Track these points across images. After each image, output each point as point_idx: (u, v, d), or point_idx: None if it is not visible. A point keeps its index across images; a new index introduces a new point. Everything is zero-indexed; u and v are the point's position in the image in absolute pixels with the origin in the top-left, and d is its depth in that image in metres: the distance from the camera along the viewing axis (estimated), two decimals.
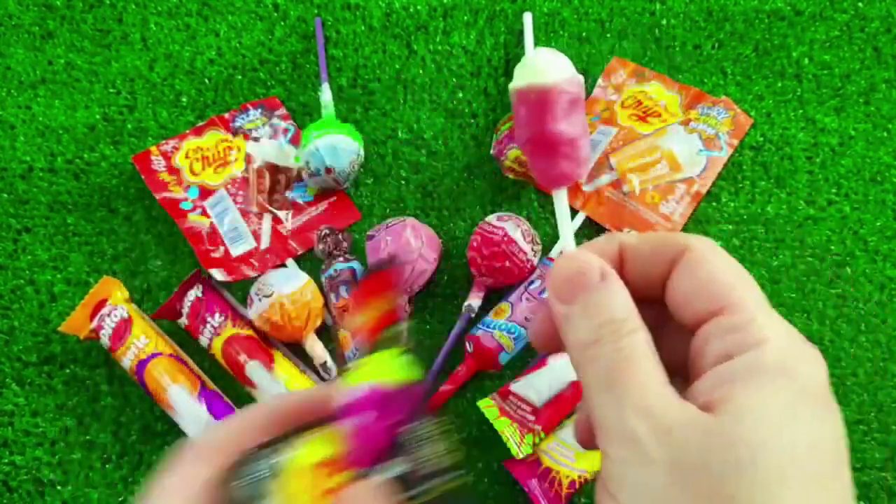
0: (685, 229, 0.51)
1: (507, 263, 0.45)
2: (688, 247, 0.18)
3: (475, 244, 0.47)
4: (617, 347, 0.17)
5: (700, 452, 0.15)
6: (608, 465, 0.16)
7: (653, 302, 0.19)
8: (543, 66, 0.25)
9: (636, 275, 0.19)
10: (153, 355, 0.44)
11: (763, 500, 0.14)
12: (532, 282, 0.47)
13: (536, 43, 0.57)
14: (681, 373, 0.18)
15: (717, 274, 0.17)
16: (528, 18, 0.57)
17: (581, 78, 0.27)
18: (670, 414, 0.16)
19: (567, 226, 0.24)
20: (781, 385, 0.15)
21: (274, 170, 0.51)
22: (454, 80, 0.57)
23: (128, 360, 0.44)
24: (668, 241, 0.19)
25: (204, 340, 0.46)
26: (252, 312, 0.46)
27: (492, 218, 0.47)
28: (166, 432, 0.45)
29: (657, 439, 0.15)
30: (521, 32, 0.58)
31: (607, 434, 0.16)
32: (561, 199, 0.24)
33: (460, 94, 0.57)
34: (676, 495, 0.15)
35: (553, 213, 0.52)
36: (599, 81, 0.57)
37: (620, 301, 0.18)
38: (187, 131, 0.55)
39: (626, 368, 0.17)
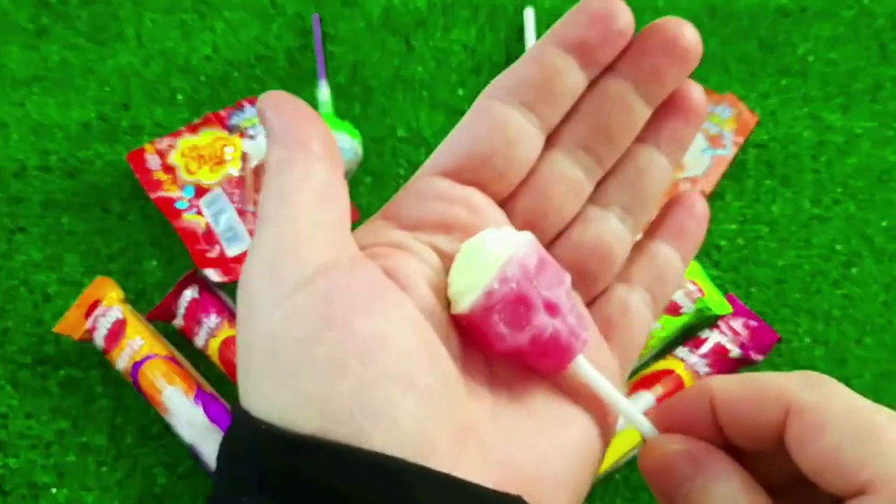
0: None
1: None
2: (792, 406, 0.15)
3: None
4: None
5: None
6: None
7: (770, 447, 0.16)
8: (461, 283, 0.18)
9: (740, 431, 0.16)
10: (148, 357, 0.44)
11: None
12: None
13: (538, 38, 0.56)
14: None
15: (842, 447, 0.14)
16: (529, 14, 0.57)
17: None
18: None
19: (614, 394, 0.18)
20: None
21: None
22: (454, 77, 0.57)
23: (122, 361, 0.44)
24: (767, 392, 0.15)
25: (199, 342, 0.45)
26: None
27: None
28: (162, 435, 0.45)
29: None
30: (522, 29, 0.57)
31: None
32: (583, 368, 0.18)
33: (461, 92, 0.56)
34: None
35: None
36: None
37: (718, 494, 0.15)
38: (182, 129, 0.54)
39: None
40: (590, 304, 0.20)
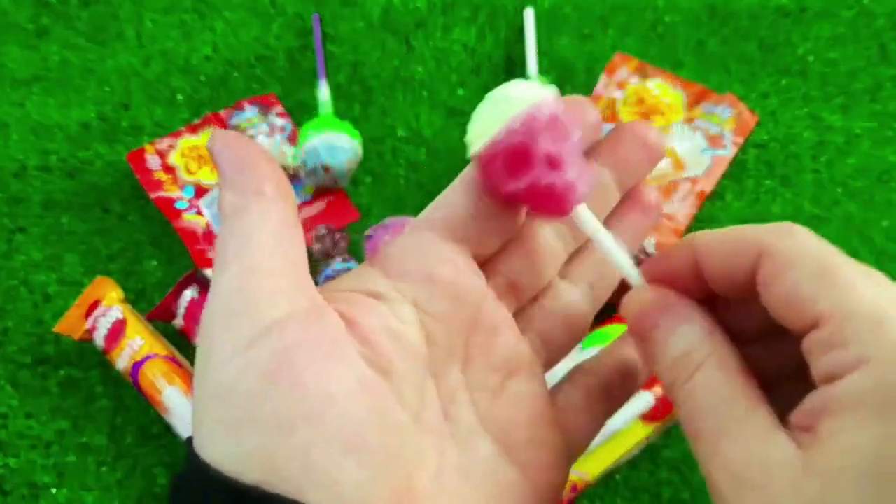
0: (689, 229, 0.50)
1: None
2: (764, 250, 0.15)
3: None
4: (687, 391, 0.16)
5: None
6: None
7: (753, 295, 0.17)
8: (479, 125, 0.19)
9: (718, 276, 0.17)
10: (148, 357, 0.44)
11: None
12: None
13: (538, 38, 0.56)
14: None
15: (801, 283, 0.15)
16: (529, 14, 0.57)
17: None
18: (752, 468, 0.14)
19: (610, 245, 0.19)
20: (877, 420, 0.13)
21: None
22: (454, 77, 0.56)
23: (122, 361, 0.44)
24: (743, 240, 0.16)
25: None
26: None
27: None
28: (162, 435, 0.45)
29: (743, 497, 0.14)
30: (523, 29, 0.57)
31: (708, 484, 0.16)
32: (582, 216, 0.19)
33: (461, 92, 0.56)
34: None
35: None
36: (602, 78, 0.56)
37: (679, 332, 0.16)
38: (182, 129, 0.54)
39: (698, 416, 0.15)
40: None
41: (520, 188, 0.18)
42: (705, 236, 0.17)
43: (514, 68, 0.57)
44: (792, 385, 0.16)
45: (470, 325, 0.19)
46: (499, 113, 0.18)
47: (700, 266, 0.17)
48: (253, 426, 0.14)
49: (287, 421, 0.14)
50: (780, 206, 0.51)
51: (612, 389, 0.21)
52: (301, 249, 0.17)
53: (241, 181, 0.17)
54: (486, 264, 0.20)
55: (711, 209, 0.51)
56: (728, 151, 0.52)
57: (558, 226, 0.21)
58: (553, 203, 0.18)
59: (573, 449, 0.20)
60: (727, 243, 0.17)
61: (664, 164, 0.51)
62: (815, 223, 0.50)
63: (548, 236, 0.20)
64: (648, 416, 0.41)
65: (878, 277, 0.15)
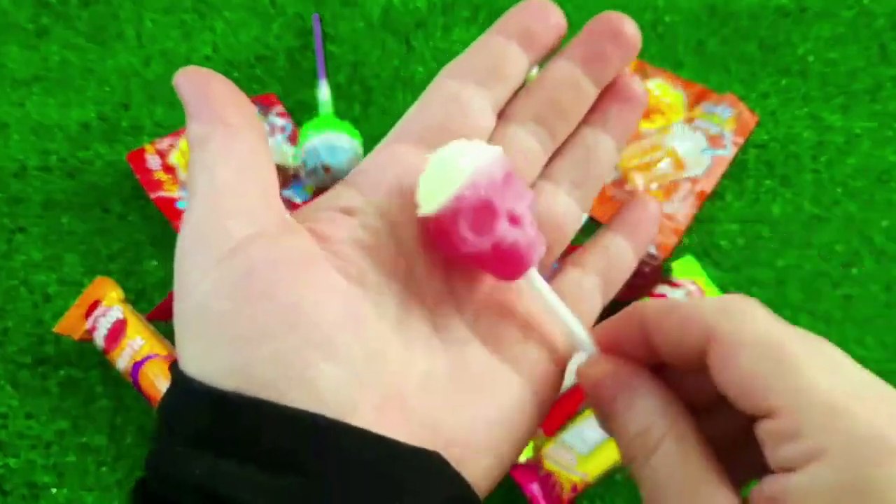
0: (689, 229, 0.50)
1: None
2: (712, 334, 0.15)
3: None
4: (648, 470, 0.16)
5: None
6: None
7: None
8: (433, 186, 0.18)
9: (668, 353, 0.17)
10: (148, 357, 0.44)
11: None
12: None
13: None
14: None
15: (751, 372, 0.14)
16: None
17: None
18: None
19: (560, 308, 0.19)
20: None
21: None
22: None
23: (123, 361, 0.44)
24: (691, 320, 0.16)
25: None
26: None
27: None
28: None
29: None
30: None
31: None
32: (534, 279, 0.19)
33: None
34: None
35: None
36: None
37: (638, 408, 0.16)
38: (183, 129, 0.54)
39: (660, 496, 0.15)
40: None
41: (484, 247, 0.17)
42: (652, 309, 0.17)
43: None
44: (746, 452, 0.16)
45: None
46: (453, 173, 0.17)
47: (650, 338, 0.17)
48: (228, 342, 0.15)
49: (261, 332, 0.15)
50: (780, 206, 0.51)
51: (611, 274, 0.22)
52: (269, 173, 0.17)
53: (206, 111, 0.17)
54: None
55: (711, 209, 0.51)
56: (728, 151, 0.52)
57: (534, 127, 0.20)
58: (513, 262, 0.18)
59: (569, 347, 0.20)
60: (675, 322, 0.16)
61: (665, 164, 0.51)
62: (815, 223, 0.50)
63: (522, 140, 0.20)
64: None
65: (831, 356, 0.14)
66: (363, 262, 0.17)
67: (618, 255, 0.22)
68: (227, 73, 0.57)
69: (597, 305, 0.21)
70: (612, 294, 0.22)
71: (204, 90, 0.17)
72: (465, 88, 0.20)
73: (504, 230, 0.17)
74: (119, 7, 0.60)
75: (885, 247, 0.49)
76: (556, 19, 0.21)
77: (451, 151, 0.18)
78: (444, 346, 0.18)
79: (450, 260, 0.19)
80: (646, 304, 0.17)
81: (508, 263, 0.18)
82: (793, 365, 0.14)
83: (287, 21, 0.59)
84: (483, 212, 0.17)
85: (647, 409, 0.16)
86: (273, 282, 0.15)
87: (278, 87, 0.56)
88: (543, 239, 0.19)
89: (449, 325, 0.19)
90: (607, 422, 0.17)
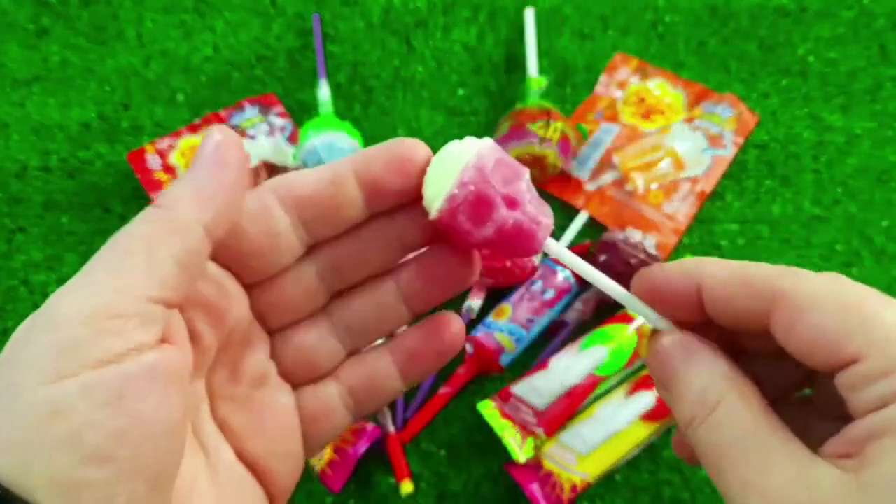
0: (689, 229, 0.50)
1: (509, 264, 0.45)
2: (781, 294, 0.15)
3: None
4: (710, 424, 0.16)
5: None
6: None
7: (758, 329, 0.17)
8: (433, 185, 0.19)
9: (724, 314, 0.17)
10: None
11: None
12: (534, 282, 0.46)
13: (539, 38, 0.56)
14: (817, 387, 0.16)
15: (826, 324, 0.15)
16: (529, 14, 0.57)
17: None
18: (797, 495, 0.14)
19: (600, 279, 0.19)
20: None
21: (271, 168, 0.50)
22: (454, 77, 0.56)
23: None
24: (754, 283, 0.16)
25: None
26: None
27: None
28: None
29: None
30: (523, 29, 0.57)
31: None
32: (553, 248, 0.19)
33: (461, 92, 0.56)
34: None
35: (554, 213, 0.52)
36: (602, 78, 0.56)
37: (700, 369, 0.17)
38: (183, 129, 0.54)
39: (724, 449, 0.15)
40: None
41: (489, 234, 0.18)
42: (713, 273, 0.17)
43: (514, 68, 0.57)
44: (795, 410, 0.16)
45: (225, 340, 0.19)
46: (446, 171, 0.18)
47: (704, 300, 0.17)
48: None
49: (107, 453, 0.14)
50: (781, 206, 0.51)
51: (362, 394, 0.21)
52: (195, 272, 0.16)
53: (182, 202, 0.16)
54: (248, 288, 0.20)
55: (711, 209, 0.51)
56: (728, 151, 0.52)
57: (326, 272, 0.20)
58: (523, 240, 0.18)
59: (312, 451, 0.21)
60: (736, 283, 0.16)
61: (665, 164, 0.51)
62: (816, 223, 0.50)
63: (308, 280, 0.20)
64: (648, 416, 0.41)
65: (893, 303, 0.15)
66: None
67: (383, 379, 0.21)
68: (227, 73, 0.57)
69: (342, 420, 0.21)
70: (361, 415, 0.22)
71: (216, 169, 0.17)
72: (283, 221, 0.19)
73: (503, 215, 0.18)
74: (119, 7, 0.60)
75: (886, 247, 0.49)
76: (416, 170, 0.19)
77: (442, 154, 0.19)
78: (202, 444, 0.18)
79: None
80: (703, 263, 0.17)
81: (519, 243, 0.18)
82: (870, 312, 0.14)
83: (287, 21, 0.59)
84: (477, 203, 0.18)
85: (711, 368, 0.17)
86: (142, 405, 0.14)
87: (278, 87, 0.56)
88: (548, 210, 0.19)
89: (204, 426, 0.19)
90: (669, 385, 0.17)
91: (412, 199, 0.19)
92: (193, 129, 0.54)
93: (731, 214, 0.51)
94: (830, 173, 0.52)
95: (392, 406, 0.44)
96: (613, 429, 0.41)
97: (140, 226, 0.16)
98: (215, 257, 0.18)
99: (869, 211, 0.51)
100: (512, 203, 0.18)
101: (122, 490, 0.14)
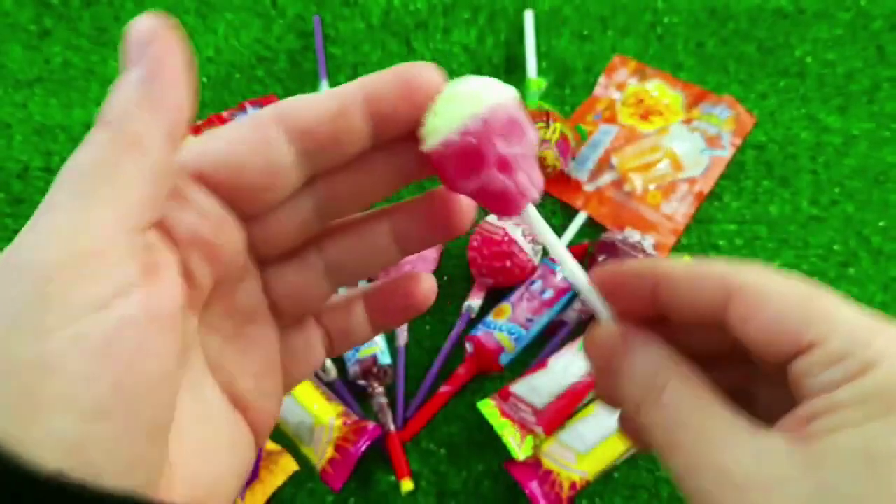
0: (688, 229, 0.50)
1: (508, 263, 0.45)
2: (740, 286, 0.16)
3: (475, 244, 0.46)
4: (659, 407, 0.16)
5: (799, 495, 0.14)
6: None
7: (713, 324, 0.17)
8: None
9: (680, 308, 0.17)
10: None
11: None
12: (533, 282, 0.46)
13: (538, 39, 0.57)
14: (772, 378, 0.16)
15: (783, 316, 0.15)
16: (529, 16, 0.57)
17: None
18: (747, 469, 0.15)
19: (566, 259, 0.19)
20: (887, 415, 0.14)
21: None
22: (454, 78, 0.57)
23: None
24: (711, 277, 0.17)
25: None
26: None
27: (492, 218, 0.47)
28: None
29: (742, 497, 0.14)
30: (523, 30, 0.57)
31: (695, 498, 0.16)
32: (532, 216, 0.19)
33: None
34: None
35: (554, 213, 0.52)
36: (601, 80, 0.56)
37: (644, 357, 0.17)
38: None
39: (674, 430, 0.16)
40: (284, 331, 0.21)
41: (471, 188, 0.18)
42: (669, 266, 0.18)
43: (513, 70, 0.57)
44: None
45: (220, 277, 0.18)
46: (455, 108, 0.17)
47: (660, 295, 0.18)
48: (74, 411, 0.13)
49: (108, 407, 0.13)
50: (778, 206, 0.51)
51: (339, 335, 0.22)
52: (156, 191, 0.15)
53: (130, 111, 0.15)
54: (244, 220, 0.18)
55: (710, 209, 0.51)
56: (726, 152, 0.52)
57: (321, 199, 0.19)
58: (503, 203, 0.18)
59: (288, 390, 0.21)
60: (693, 277, 0.17)
61: (663, 165, 0.52)
62: (813, 223, 0.51)
63: (303, 210, 0.19)
64: None
65: (848, 302, 0.16)
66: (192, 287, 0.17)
67: (357, 325, 0.21)
68: (228, 75, 0.57)
69: (319, 359, 0.21)
70: (332, 356, 0.22)
71: (153, 72, 0.15)
72: (286, 150, 0.17)
73: (489, 176, 0.17)
74: (121, 8, 0.60)
75: (883, 247, 0.50)
76: (423, 97, 0.18)
77: (458, 88, 0.18)
78: (189, 383, 0.17)
79: None
80: (659, 261, 0.18)
81: (499, 204, 0.18)
82: (829, 304, 0.15)
83: (288, 22, 0.59)
84: (470, 156, 0.17)
85: (655, 356, 0.17)
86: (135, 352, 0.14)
87: (279, 88, 0.57)
88: (540, 183, 0.19)
89: (194, 362, 0.18)
90: (614, 374, 0.18)
91: (417, 128, 0.18)
92: (195, 130, 0.55)
93: (729, 215, 0.51)
94: (828, 174, 0.52)
95: (392, 405, 0.45)
96: (612, 427, 0.41)
97: (93, 150, 0.14)
98: (212, 189, 0.17)
99: (866, 211, 0.51)
100: (504, 166, 0.17)
101: (122, 444, 0.13)
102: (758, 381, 0.18)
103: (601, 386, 0.20)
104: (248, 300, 0.19)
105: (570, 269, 0.19)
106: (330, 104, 0.17)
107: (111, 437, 0.13)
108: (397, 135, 0.18)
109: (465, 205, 0.20)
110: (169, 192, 0.16)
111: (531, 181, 0.18)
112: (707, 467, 0.15)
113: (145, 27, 0.15)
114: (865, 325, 0.15)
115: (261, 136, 0.17)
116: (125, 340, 0.13)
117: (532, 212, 0.19)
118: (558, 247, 0.19)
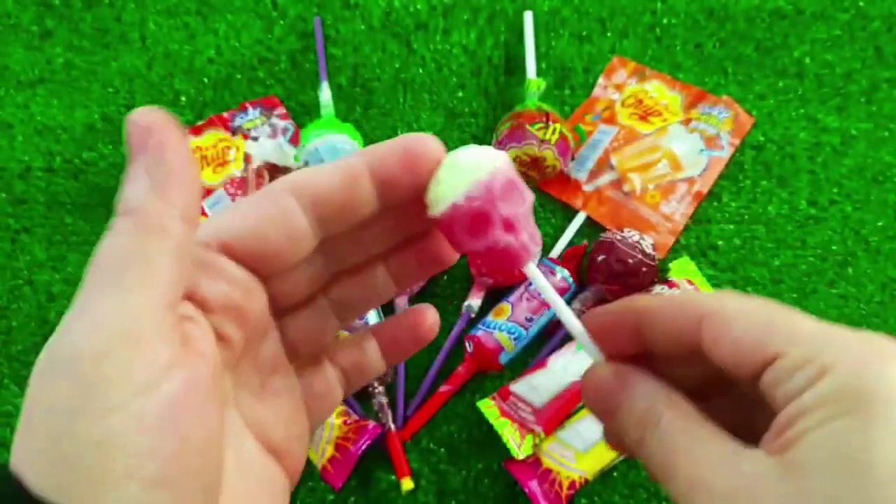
0: (686, 229, 0.51)
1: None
2: (710, 312, 0.18)
3: None
4: (658, 436, 0.17)
5: None
6: None
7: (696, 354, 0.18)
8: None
9: (661, 338, 0.19)
10: None
11: None
12: (532, 282, 0.47)
13: (537, 40, 0.57)
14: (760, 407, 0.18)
15: (747, 334, 0.17)
16: (528, 17, 0.57)
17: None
18: (736, 484, 0.16)
19: (560, 306, 0.21)
20: (844, 414, 0.15)
21: (273, 169, 0.51)
22: (454, 79, 0.57)
23: None
24: (684, 307, 0.18)
25: None
26: None
27: None
28: None
29: None
30: (522, 31, 0.58)
31: None
32: (532, 273, 0.20)
33: (460, 94, 0.56)
34: None
35: (553, 213, 0.52)
36: (600, 80, 0.57)
37: (639, 393, 0.18)
38: (186, 131, 0.55)
39: (672, 455, 0.17)
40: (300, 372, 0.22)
41: (479, 248, 0.19)
42: (647, 301, 0.19)
43: (513, 70, 0.57)
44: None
45: (247, 336, 0.19)
46: (457, 177, 0.19)
47: (642, 329, 0.19)
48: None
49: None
50: (776, 206, 0.51)
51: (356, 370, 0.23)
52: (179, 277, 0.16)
53: (146, 200, 0.16)
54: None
55: (708, 209, 0.51)
56: (725, 152, 0.52)
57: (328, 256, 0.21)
58: (507, 262, 0.19)
59: (314, 429, 0.22)
60: (670, 310, 0.19)
61: (662, 165, 0.52)
62: (811, 223, 0.51)
63: (317, 267, 0.21)
64: None
65: (807, 315, 0.17)
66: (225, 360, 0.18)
67: (371, 360, 0.23)
68: (229, 75, 0.58)
69: (338, 400, 0.23)
70: (350, 392, 0.23)
71: (159, 165, 0.16)
72: (303, 224, 0.19)
73: (497, 236, 0.19)
74: (122, 9, 0.60)
75: (881, 246, 0.50)
76: (427, 168, 0.19)
77: (457, 158, 0.19)
78: (228, 439, 0.18)
79: None
80: (638, 297, 0.20)
81: (503, 263, 0.20)
82: (790, 319, 0.17)
83: (289, 23, 0.60)
84: (478, 219, 0.19)
85: (648, 391, 0.18)
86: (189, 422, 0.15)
87: (280, 89, 0.57)
88: (538, 238, 0.20)
89: (232, 420, 0.19)
90: (612, 413, 0.19)
91: (419, 193, 0.20)
92: (197, 130, 0.55)
93: (727, 215, 0.51)
94: (826, 174, 0.52)
95: (392, 404, 0.45)
96: None
97: (120, 239, 0.16)
98: (238, 259, 0.18)
99: (864, 211, 0.51)
100: (510, 227, 0.19)
101: None
102: (751, 408, 0.19)
103: (608, 431, 0.21)
104: (270, 352, 0.20)
105: (566, 318, 0.21)
106: (340, 174, 0.19)
107: (172, 502, 0.14)
108: (401, 200, 0.19)
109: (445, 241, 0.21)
110: (194, 264, 0.17)
111: (532, 238, 0.20)
112: (704, 489, 0.16)
113: (144, 118, 0.17)
114: (823, 333, 0.16)
115: (280, 208, 0.18)
116: (176, 414, 0.15)
117: (533, 267, 0.20)
118: (556, 298, 0.21)
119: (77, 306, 0.15)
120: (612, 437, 0.21)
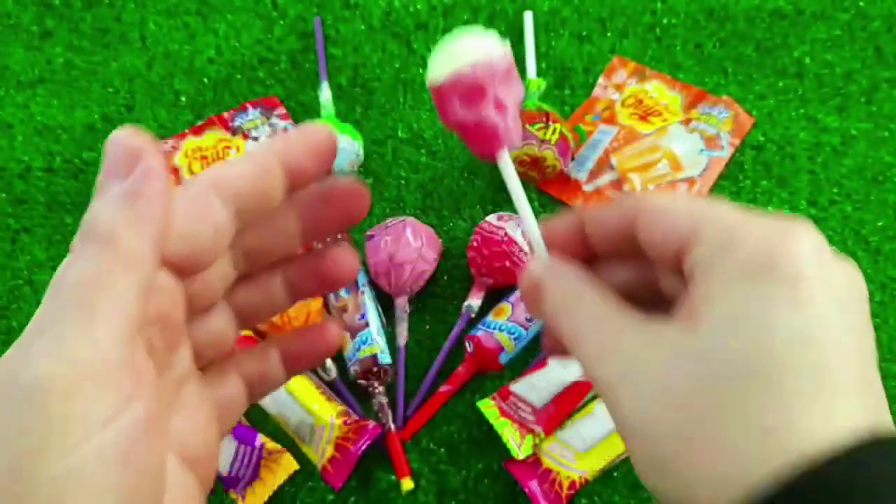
0: None
1: (508, 263, 0.45)
2: (642, 207, 0.19)
3: (475, 244, 0.46)
4: (571, 314, 0.19)
5: (672, 375, 0.16)
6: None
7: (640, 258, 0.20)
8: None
9: (605, 241, 0.21)
10: None
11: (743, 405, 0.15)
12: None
13: (537, 42, 0.57)
14: None
15: (678, 218, 0.18)
16: (528, 17, 0.57)
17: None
18: (638, 342, 0.17)
19: (521, 200, 0.22)
20: (756, 280, 0.16)
21: None
22: None
23: None
24: (623, 206, 0.20)
25: None
26: None
27: (492, 218, 0.47)
28: None
29: (628, 378, 0.17)
30: (522, 31, 0.58)
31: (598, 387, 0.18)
32: (504, 161, 0.21)
33: None
34: (667, 421, 0.16)
35: (553, 213, 0.52)
36: (600, 80, 0.57)
37: (563, 277, 0.20)
38: (186, 131, 0.55)
39: (584, 327, 0.18)
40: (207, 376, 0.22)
41: (467, 119, 0.20)
42: (592, 208, 0.21)
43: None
44: None
45: (169, 345, 0.19)
46: (469, 51, 0.20)
47: (588, 231, 0.21)
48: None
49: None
50: (777, 206, 0.51)
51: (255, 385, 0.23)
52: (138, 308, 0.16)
53: (122, 231, 0.15)
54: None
55: None
56: (725, 152, 0.52)
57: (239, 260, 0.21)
58: (489, 141, 0.21)
59: (222, 436, 0.22)
60: (609, 212, 0.20)
61: (662, 166, 0.52)
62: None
63: (227, 274, 0.21)
64: None
65: (733, 203, 0.18)
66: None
67: (273, 369, 0.23)
68: (229, 75, 0.58)
69: (243, 407, 0.23)
70: (252, 402, 0.23)
71: (134, 191, 0.16)
72: (225, 218, 0.19)
73: (488, 112, 0.20)
74: (122, 9, 0.60)
75: (881, 246, 0.50)
76: (330, 158, 0.20)
77: (470, 36, 0.20)
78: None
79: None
80: (583, 206, 0.20)
81: (484, 140, 0.21)
82: (708, 206, 0.18)
83: (289, 24, 0.60)
84: (475, 90, 0.20)
85: (572, 276, 0.20)
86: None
87: (280, 89, 0.57)
88: (520, 132, 0.22)
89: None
90: (539, 300, 0.20)
91: (318, 180, 0.21)
92: (197, 130, 0.55)
93: None
94: (826, 174, 0.52)
95: (392, 404, 0.45)
96: (611, 426, 0.41)
97: (85, 265, 0.15)
98: (164, 261, 0.18)
99: (864, 211, 0.51)
100: (500, 107, 0.20)
101: None
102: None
103: (544, 332, 0.22)
104: (184, 361, 0.20)
105: (524, 213, 0.22)
106: (255, 165, 0.19)
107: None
108: (303, 184, 0.20)
109: (343, 260, 0.22)
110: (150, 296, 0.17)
111: (516, 129, 0.21)
112: (612, 354, 0.17)
113: (125, 141, 0.16)
114: (738, 216, 0.17)
115: (202, 204, 0.18)
116: (134, 446, 0.15)
117: (506, 156, 0.21)
118: (521, 195, 0.22)
119: (39, 327, 0.15)
120: (547, 335, 0.22)
